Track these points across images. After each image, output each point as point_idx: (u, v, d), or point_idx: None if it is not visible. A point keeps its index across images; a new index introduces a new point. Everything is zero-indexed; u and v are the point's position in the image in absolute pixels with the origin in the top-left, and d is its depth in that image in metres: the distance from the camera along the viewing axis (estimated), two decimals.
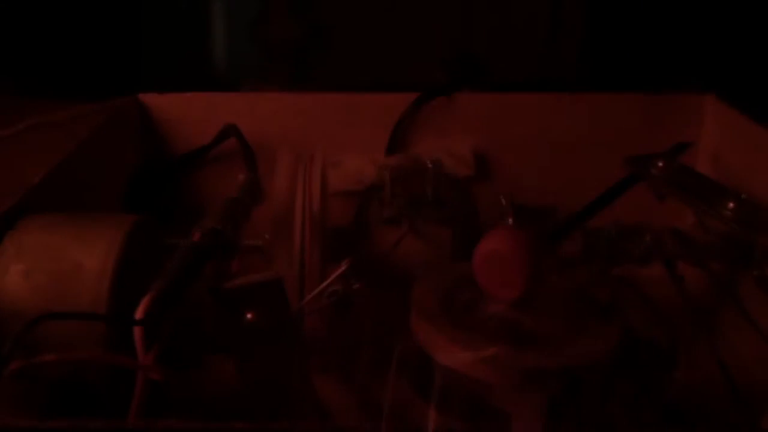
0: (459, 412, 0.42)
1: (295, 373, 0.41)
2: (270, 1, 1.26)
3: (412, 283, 0.46)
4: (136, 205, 0.59)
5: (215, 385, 0.41)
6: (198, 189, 0.66)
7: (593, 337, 0.42)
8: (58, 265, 0.38)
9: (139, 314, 0.33)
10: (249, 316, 0.38)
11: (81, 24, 1.10)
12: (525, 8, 1.13)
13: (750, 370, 0.55)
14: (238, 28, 1.33)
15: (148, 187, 0.60)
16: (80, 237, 0.40)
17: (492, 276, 0.42)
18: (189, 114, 0.66)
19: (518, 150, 0.67)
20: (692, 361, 0.55)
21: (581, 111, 0.67)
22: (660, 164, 0.55)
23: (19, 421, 0.31)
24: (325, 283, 0.41)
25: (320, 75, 1.23)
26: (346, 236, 0.59)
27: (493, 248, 0.42)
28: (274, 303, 0.38)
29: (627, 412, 0.44)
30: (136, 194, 0.59)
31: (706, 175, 0.65)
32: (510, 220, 0.52)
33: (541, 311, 0.44)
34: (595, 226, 0.56)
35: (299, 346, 0.41)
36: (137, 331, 0.33)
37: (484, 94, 0.67)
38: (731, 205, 0.49)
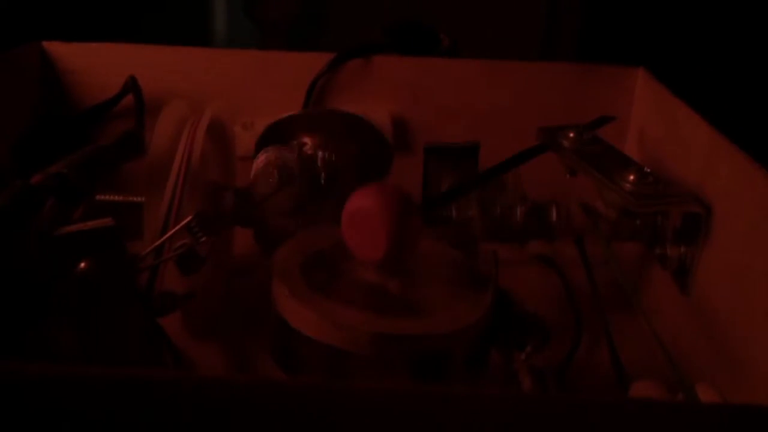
0: None
1: (140, 330, 0.38)
2: None
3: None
4: (26, 158, 0.56)
5: (54, 349, 0.38)
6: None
7: (460, 306, 0.40)
8: None
9: None
10: (81, 265, 0.35)
11: None
12: None
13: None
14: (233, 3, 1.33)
15: (42, 141, 0.58)
16: None
17: (357, 236, 0.40)
18: (97, 65, 0.63)
19: (441, 118, 0.64)
20: (594, 341, 0.53)
21: (509, 79, 0.64)
22: (570, 135, 0.53)
23: None
24: (166, 235, 0.39)
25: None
26: (250, 199, 0.56)
27: (358, 206, 0.39)
28: (108, 252, 0.36)
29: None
30: (28, 148, 0.56)
31: (630, 149, 0.62)
32: None
33: (411, 277, 0.41)
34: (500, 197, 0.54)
35: (144, 301, 0.39)
36: None
37: (405, 58, 0.64)
38: (631, 177, 0.46)
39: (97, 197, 0.43)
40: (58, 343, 0.38)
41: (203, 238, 0.38)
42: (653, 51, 0.84)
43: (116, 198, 0.45)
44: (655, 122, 0.60)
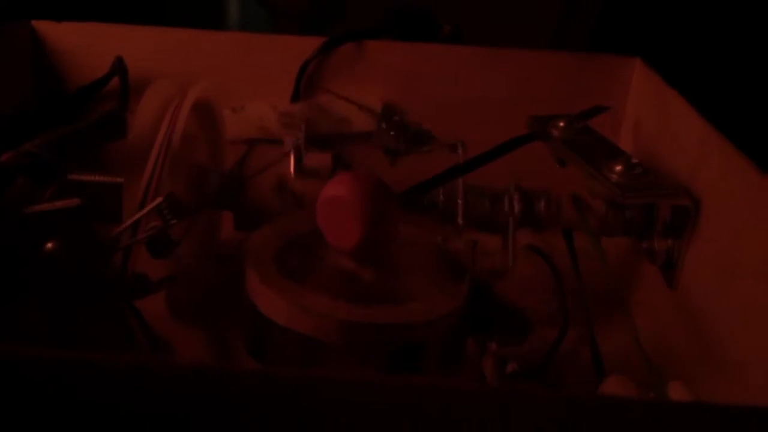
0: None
1: (109, 312, 0.38)
2: None
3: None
4: (12, 139, 0.55)
5: (24, 329, 0.38)
6: None
7: (436, 296, 0.39)
8: None
9: None
10: (48, 245, 0.35)
11: None
12: None
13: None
14: None
15: (30, 122, 0.57)
16: None
17: (332, 224, 0.39)
18: (88, 45, 0.62)
19: (432, 105, 0.63)
20: (581, 334, 0.53)
21: (504, 67, 0.63)
22: (561, 124, 0.52)
23: None
24: (135, 216, 0.38)
25: None
26: (238, 181, 0.56)
27: (333, 193, 0.39)
28: (75, 232, 0.35)
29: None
30: (14, 128, 0.56)
31: (625, 140, 0.61)
32: None
33: (387, 265, 0.41)
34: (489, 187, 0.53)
35: (115, 283, 0.38)
36: None
37: (398, 43, 0.63)
38: (618, 168, 0.46)
39: (76, 177, 0.42)
40: (28, 323, 0.37)
41: (173, 221, 0.38)
42: (668, 43, 0.82)
43: (95, 178, 0.45)
44: (650, 113, 0.59)
